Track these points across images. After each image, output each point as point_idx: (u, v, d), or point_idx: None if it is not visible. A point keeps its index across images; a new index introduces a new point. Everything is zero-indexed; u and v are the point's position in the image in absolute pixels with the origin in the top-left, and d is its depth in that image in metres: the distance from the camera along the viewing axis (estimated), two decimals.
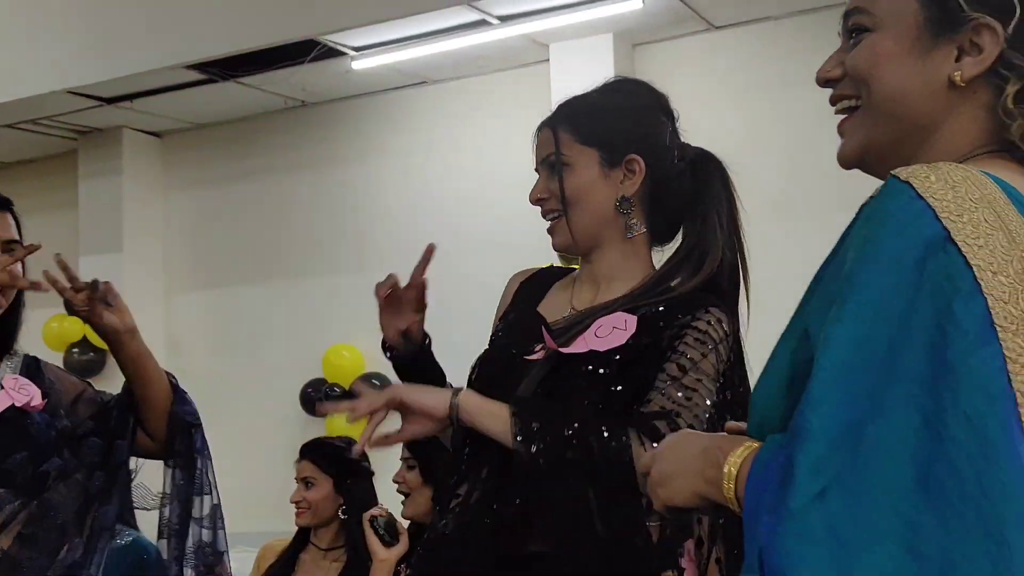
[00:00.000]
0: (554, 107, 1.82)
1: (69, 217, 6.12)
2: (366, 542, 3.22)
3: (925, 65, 1.11)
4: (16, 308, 2.22)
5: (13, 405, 2.04)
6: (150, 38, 4.98)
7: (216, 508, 2.29)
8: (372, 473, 3.59)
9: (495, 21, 4.80)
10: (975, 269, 0.92)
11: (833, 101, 1.22)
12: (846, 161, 1.19)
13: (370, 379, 5.40)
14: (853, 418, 0.92)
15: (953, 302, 0.92)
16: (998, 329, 0.91)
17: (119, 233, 5.88)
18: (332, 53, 5.08)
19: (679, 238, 1.76)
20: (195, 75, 5.29)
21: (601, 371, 1.58)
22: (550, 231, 1.75)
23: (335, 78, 5.44)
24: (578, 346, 1.59)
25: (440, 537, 1.70)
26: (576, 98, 1.80)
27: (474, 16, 4.73)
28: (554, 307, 1.77)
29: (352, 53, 5.11)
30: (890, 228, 0.97)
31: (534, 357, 1.63)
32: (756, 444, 1.06)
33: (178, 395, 2.20)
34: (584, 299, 1.72)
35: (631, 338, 1.57)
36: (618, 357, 1.57)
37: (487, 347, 1.79)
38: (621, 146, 1.70)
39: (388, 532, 3.22)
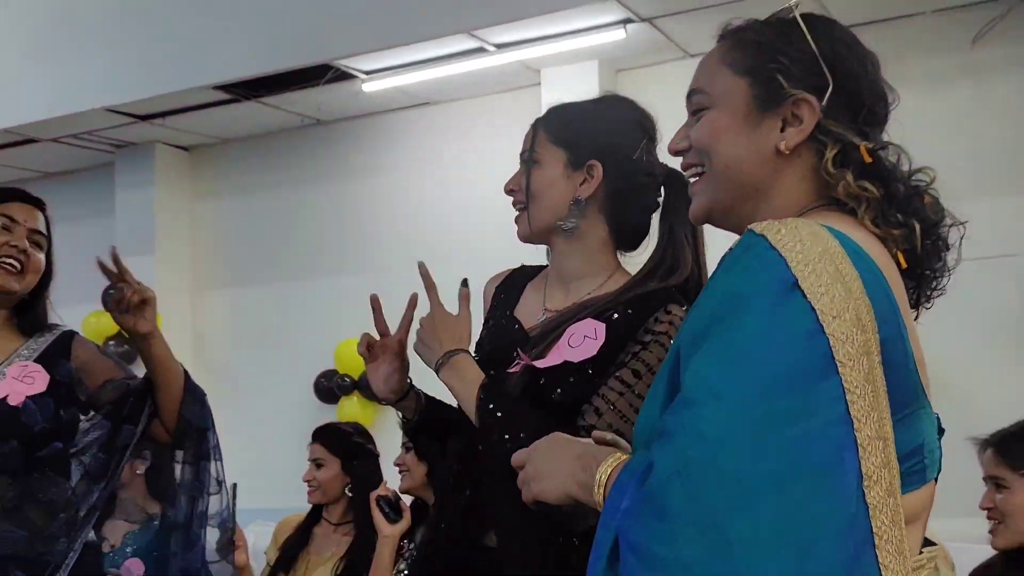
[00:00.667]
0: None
1: (106, 223, 6.12)
2: (373, 519, 3.22)
3: (755, 136, 1.17)
4: (44, 288, 2.20)
5: (5, 400, 2.00)
6: (181, 61, 4.98)
7: (223, 512, 2.26)
8: (377, 455, 3.59)
9: (492, 48, 4.81)
10: (818, 312, 0.97)
11: (683, 168, 1.27)
12: (696, 218, 1.27)
13: None
14: (705, 427, 0.96)
15: (800, 339, 0.97)
16: (838, 364, 0.96)
17: (151, 238, 5.87)
18: (345, 76, 5.09)
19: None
20: (221, 95, 5.29)
21: (572, 380, 1.55)
22: (516, 221, 1.73)
23: (347, 99, 5.44)
24: (552, 358, 1.57)
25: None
26: (565, 104, 1.79)
27: (473, 44, 4.74)
28: (529, 309, 1.74)
29: (363, 76, 5.11)
30: (748, 274, 1.03)
31: (514, 370, 1.60)
32: (625, 456, 1.12)
33: (190, 397, 2.15)
34: (556, 299, 1.69)
35: (601, 348, 1.54)
36: (590, 370, 1.54)
37: (473, 354, 1.74)
38: (586, 151, 1.67)
39: (392, 510, 3.22)
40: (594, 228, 1.68)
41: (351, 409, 5.37)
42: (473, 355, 1.72)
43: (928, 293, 1.19)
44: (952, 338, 4.39)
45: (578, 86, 4.95)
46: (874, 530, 0.95)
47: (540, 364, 1.57)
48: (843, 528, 0.94)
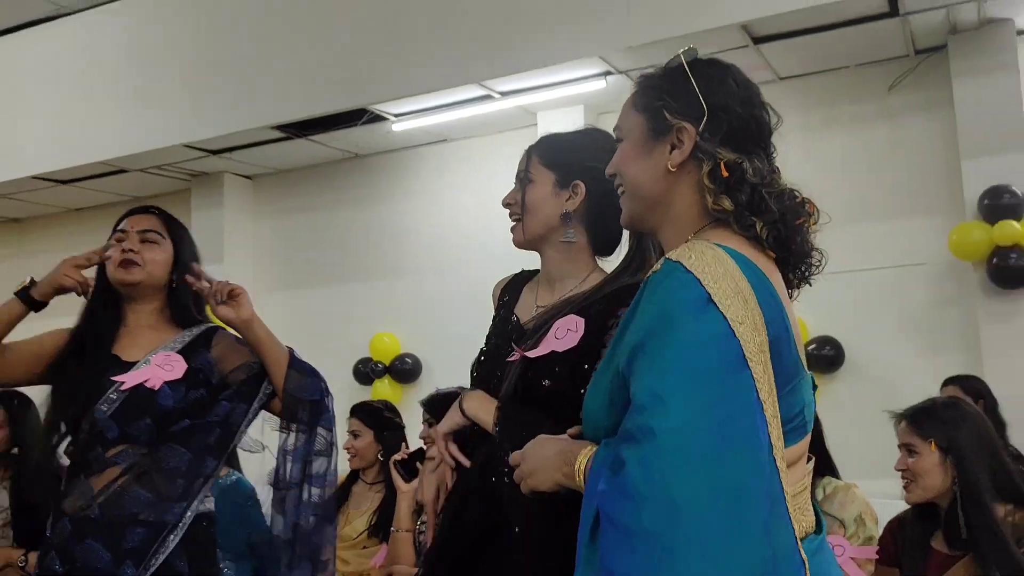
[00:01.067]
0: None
1: None
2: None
3: (651, 159, 1.22)
4: (185, 288, 2.13)
5: (144, 383, 1.98)
6: (245, 106, 4.99)
7: (329, 472, 2.17)
8: (403, 427, 3.58)
9: (497, 96, 4.82)
10: (729, 320, 1.03)
11: (615, 188, 1.32)
12: (623, 225, 1.34)
13: (403, 359, 5.41)
14: (654, 424, 1.01)
15: (719, 341, 1.03)
16: (748, 360, 1.02)
17: (220, 251, 5.87)
18: (377, 118, 5.09)
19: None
20: (278, 133, 5.29)
21: (557, 369, 1.55)
22: (512, 230, 1.73)
23: (379, 137, 5.45)
24: (541, 349, 1.56)
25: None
26: (554, 134, 1.78)
27: (482, 92, 4.75)
28: (526, 307, 1.74)
29: (392, 118, 5.12)
30: (672, 294, 1.07)
31: (512, 359, 1.60)
32: (594, 447, 1.16)
33: (293, 372, 2.09)
34: (545, 297, 1.69)
35: (581, 339, 1.54)
36: (573, 358, 1.53)
37: (482, 348, 1.75)
38: (571, 173, 1.67)
39: (407, 471, 3.21)
40: (578, 236, 1.68)
41: (383, 389, 5.38)
42: (483, 347, 1.75)
43: (804, 277, 1.21)
44: (873, 331, 4.39)
45: (568, 127, 4.95)
46: (783, 487, 1.02)
47: (531, 354, 1.57)
48: (764, 487, 1.00)
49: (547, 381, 1.55)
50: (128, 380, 1.99)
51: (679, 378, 1.02)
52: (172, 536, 1.95)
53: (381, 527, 3.26)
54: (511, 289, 1.83)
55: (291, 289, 6.01)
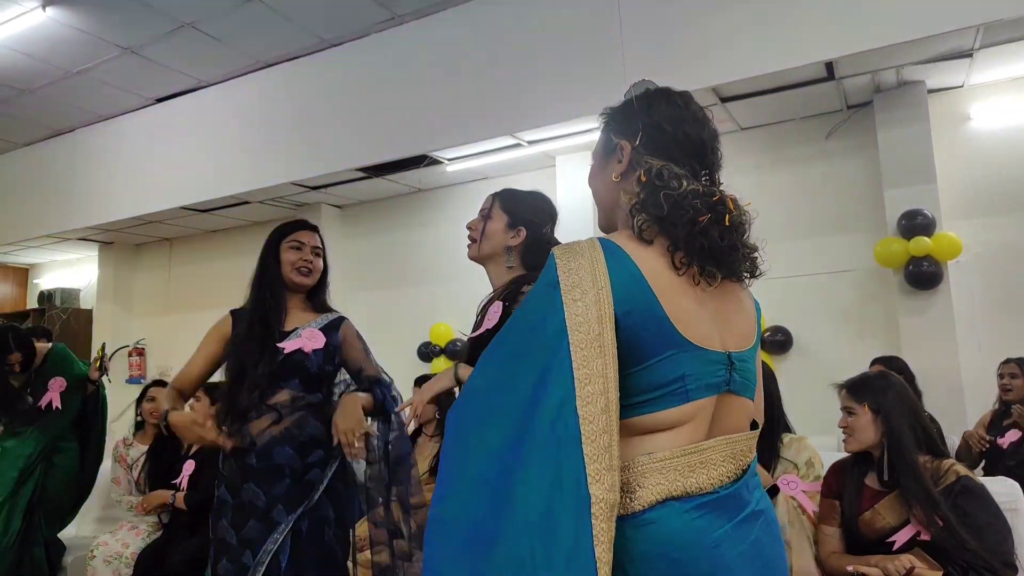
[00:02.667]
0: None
1: None
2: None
3: (604, 172, 1.16)
4: (324, 281, 2.28)
5: (300, 349, 2.05)
6: (336, 153, 5.04)
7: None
8: (455, 394, 3.59)
9: (525, 144, 4.82)
10: (564, 304, 0.95)
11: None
12: (601, 229, 1.22)
13: (455, 342, 5.43)
14: (485, 360, 1.00)
15: (546, 311, 0.96)
16: (570, 328, 0.93)
17: None
18: (435, 161, 5.11)
19: None
20: (361, 173, 5.34)
21: (486, 335, 1.66)
22: (468, 247, 1.89)
23: (437, 175, 5.47)
24: (480, 330, 1.70)
25: None
26: (514, 190, 1.90)
27: (514, 141, 4.76)
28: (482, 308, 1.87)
29: (447, 161, 5.14)
30: (540, 277, 1.02)
31: (472, 337, 1.76)
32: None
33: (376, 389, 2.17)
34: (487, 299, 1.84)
35: (499, 317, 1.66)
36: (496, 329, 1.64)
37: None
38: (517, 220, 1.81)
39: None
40: (514, 262, 1.82)
41: (440, 365, 5.40)
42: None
43: (749, 270, 1.09)
44: (815, 322, 4.34)
45: (579, 167, 4.95)
46: (582, 431, 0.88)
47: (473, 335, 1.72)
48: (550, 422, 0.89)
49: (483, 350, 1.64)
50: (288, 346, 2.07)
51: (494, 353, 0.99)
52: (315, 493, 1.99)
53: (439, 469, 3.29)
54: (483, 305, 1.96)
55: (371, 291, 6.06)
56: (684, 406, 0.99)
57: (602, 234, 1.11)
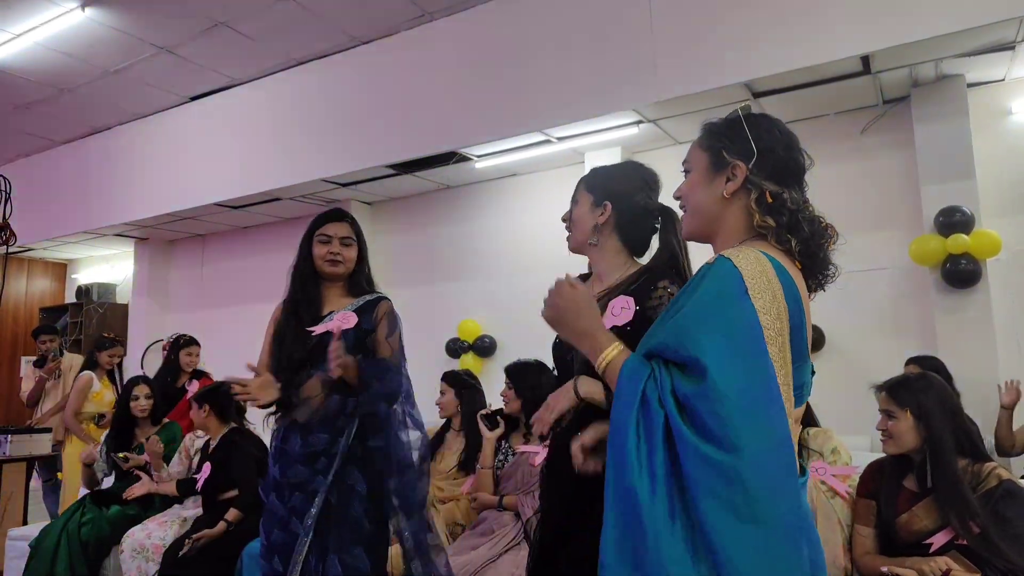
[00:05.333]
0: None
1: None
2: (479, 428, 3.24)
3: (711, 188, 1.22)
4: (361, 266, 2.32)
5: (329, 332, 2.11)
6: (366, 151, 5.09)
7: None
8: (480, 389, 3.60)
9: (555, 140, 4.81)
10: (757, 310, 1.04)
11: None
12: (685, 237, 1.34)
13: (483, 338, 5.45)
14: (716, 376, 1.01)
15: (749, 325, 1.04)
16: (767, 341, 1.03)
17: None
18: (464, 158, 5.12)
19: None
20: (390, 171, 5.37)
21: (618, 336, 1.53)
22: (567, 239, 1.76)
23: (466, 172, 5.48)
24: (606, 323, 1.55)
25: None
26: (600, 166, 1.80)
27: (543, 138, 4.75)
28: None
29: (475, 158, 5.15)
30: (722, 281, 1.07)
31: None
32: (620, 345, 1.18)
33: (364, 375, 2.15)
34: (595, 288, 1.69)
35: (634, 314, 1.55)
36: (629, 327, 1.54)
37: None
38: (602, 196, 1.69)
39: (490, 421, 3.22)
40: (608, 241, 1.69)
41: (467, 361, 5.41)
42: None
43: (820, 283, 1.22)
44: (848, 320, 4.27)
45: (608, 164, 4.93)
46: (791, 434, 1.03)
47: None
48: (788, 435, 1.01)
49: None
50: (317, 329, 2.15)
51: (721, 342, 1.01)
52: (342, 442, 2.08)
53: (466, 463, 3.29)
54: None
55: (400, 287, 6.09)
56: (798, 409, 1.15)
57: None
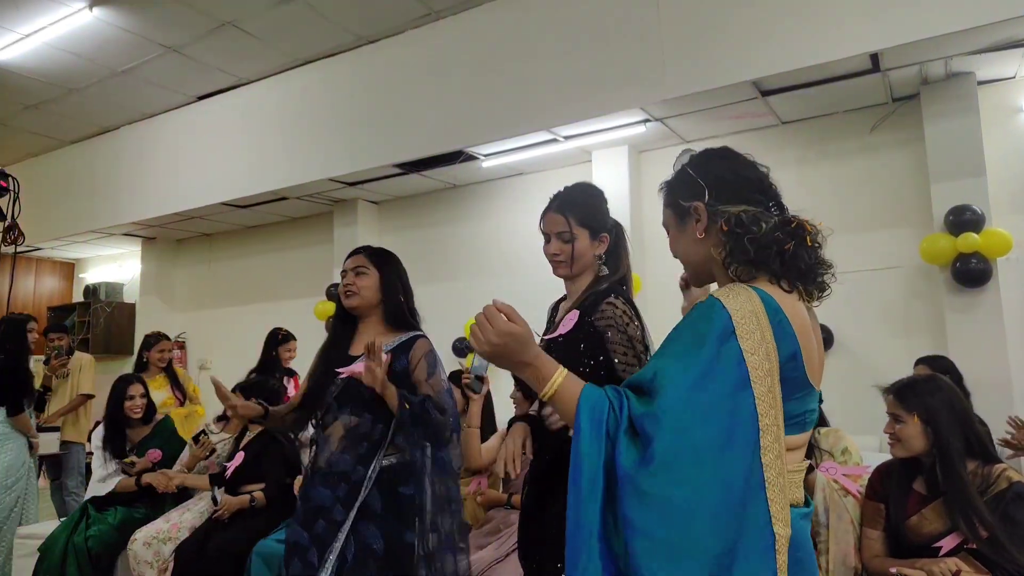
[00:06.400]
0: (559, 197, 1.93)
1: (327, 249, 6.28)
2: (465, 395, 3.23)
3: (685, 235, 1.25)
4: (392, 296, 2.23)
5: (352, 376, 2.07)
6: (372, 150, 5.09)
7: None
8: (483, 386, 3.58)
9: (561, 139, 4.80)
10: (744, 351, 1.04)
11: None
12: (692, 284, 1.34)
13: None
14: (686, 416, 1.02)
15: (732, 366, 1.04)
16: (753, 381, 1.03)
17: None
18: (471, 158, 5.13)
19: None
20: (397, 170, 5.38)
21: (561, 341, 1.75)
22: (556, 269, 1.90)
23: (473, 171, 5.48)
24: (554, 333, 1.79)
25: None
26: (572, 197, 1.89)
27: (550, 136, 4.74)
28: (561, 315, 1.91)
29: (482, 157, 5.15)
30: (705, 321, 1.08)
31: (548, 337, 1.82)
32: (568, 373, 1.16)
33: (403, 415, 2.04)
34: (567, 305, 1.90)
35: (574, 325, 1.75)
36: (566, 336, 1.75)
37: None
38: (598, 228, 1.87)
39: (473, 389, 3.21)
40: (595, 266, 1.90)
41: (471, 362, 5.40)
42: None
43: (821, 286, 1.19)
44: (857, 320, 4.25)
45: (615, 163, 4.92)
46: (765, 477, 1.02)
47: (547, 337, 1.80)
48: (742, 479, 1.00)
49: (560, 350, 1.73)
50: (344, 371, 2.10)
51: (689, 376, 1.03)
52: (365, 488, 2.01)
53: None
54: (554, 308, 2.04)
55: None
56: (803, 434, 1.15)
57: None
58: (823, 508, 2.17)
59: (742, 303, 1.08)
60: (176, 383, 4.66)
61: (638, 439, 1.03)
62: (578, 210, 1.85)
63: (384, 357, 2.01)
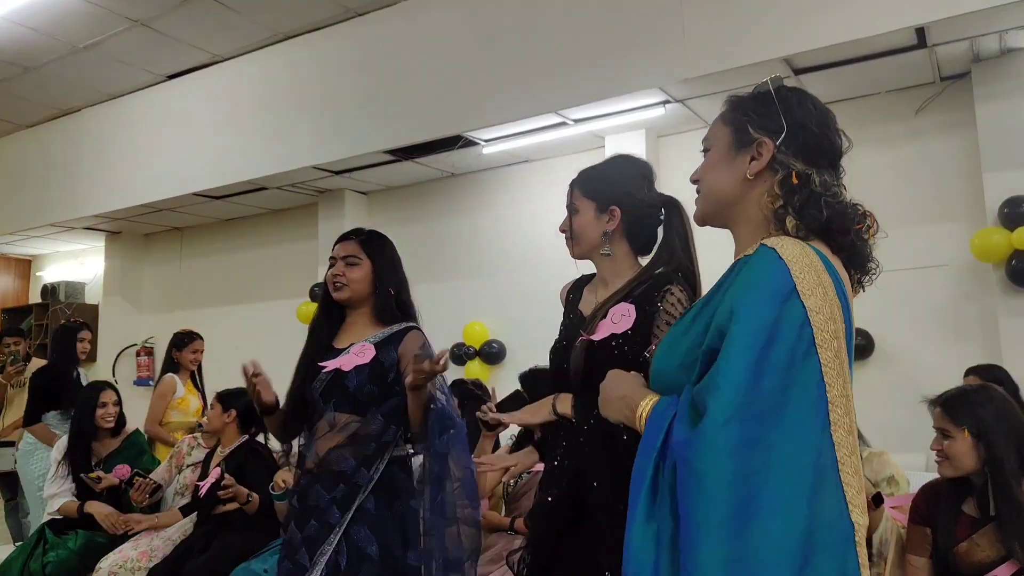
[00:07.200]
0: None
1: (311, 244, 6.30)
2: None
3: (732, 167, 1.20)
4: (383, 288, 2.25)
5: (338, 369, 2.10)
6: (361, 135, 5.10)
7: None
8: (485, 399, 3.60)
9: (571, 123, 4.80)
10: (808, 310, 1.01)
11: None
12: (696, 221, 1.32)
13: (491, 343, 5.45)
14: (746, 382, 0.98)
15: (798, 326, 1.01)
16: (818, 346, 1.00)
17: None
18: (471, 143, 5.13)
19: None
20: (388, 157, 5.38)
21: (614, 344, 1.60)
22: (568, 247, 1.82)
23: (472, 158, 5.49)
24: (601, 332, 1.62)
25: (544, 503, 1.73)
26: (590, 168, 1.83)
27: (558, 120, 4.74)
28: (587, 303, 1.79)
29: (483, 143, 5.15)
30: (764, 274, 1.05)
31: (583, 339, 1.65)
32: (653, 397, 1.15)
33: (430, 420, 2.08)
34: (600, 294, 1.75)
35: (634, 321, 1.60)
36: (629, 334, 1.60)
37: (556, 338, 1.80)
38: (607, 200, 1.73)
39: (487, 426, 3.22)
40: (619, 246, 1.74)
41: (474, 369, 5.43)
42: (558, 337, 1.80)
43: (859, 282, 1.18)
44: (901, 324, 4.25)
45: (631, 149, 4.91)
46: (837, 457, 0.99)
47: (595, 337, 1.62)
48: (811, 461, 0.97)
49: (608, 355, 1.59)
50: (328, 365, 2.13)
51: (749, 361, 0.99)
52: (362, 492, 2.07)
53: None
54: (575, 290, 1.89)
55: None
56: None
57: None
58: (888, 538, 2.15)
59: (798, 255, 1.04)
60: (202, 391, 4.61)
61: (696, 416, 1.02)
62: (587, 179, 1.79)
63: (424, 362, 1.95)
